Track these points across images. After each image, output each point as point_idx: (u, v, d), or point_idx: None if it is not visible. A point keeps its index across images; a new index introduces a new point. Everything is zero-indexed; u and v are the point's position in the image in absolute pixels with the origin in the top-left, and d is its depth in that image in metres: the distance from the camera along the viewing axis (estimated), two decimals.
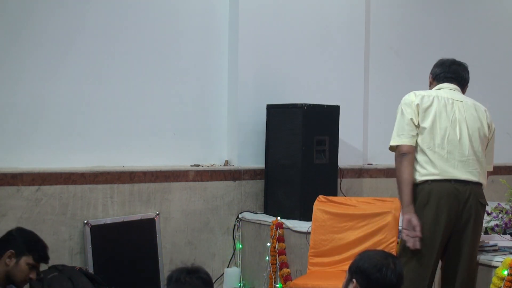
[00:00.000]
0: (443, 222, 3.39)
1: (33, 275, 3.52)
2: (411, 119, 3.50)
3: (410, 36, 6.61)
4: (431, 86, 3.83)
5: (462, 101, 3.63)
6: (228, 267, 5.34)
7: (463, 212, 3.43)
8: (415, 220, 3.37)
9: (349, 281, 2.81)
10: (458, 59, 7.04)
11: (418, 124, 3.51)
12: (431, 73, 3.87)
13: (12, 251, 3.41)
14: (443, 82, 3.76)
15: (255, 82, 5.50)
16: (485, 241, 3.73)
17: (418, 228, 3.36)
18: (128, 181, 4.89)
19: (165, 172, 5.08)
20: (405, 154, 3.47)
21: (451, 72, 3.78)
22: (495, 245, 3.67)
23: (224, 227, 5.35)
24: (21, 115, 4.64)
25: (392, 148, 3.58)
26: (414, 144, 3.49)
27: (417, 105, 3.52)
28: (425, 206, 3.42)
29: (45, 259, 3.59)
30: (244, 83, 5.45)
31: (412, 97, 3.57)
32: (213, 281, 4.23)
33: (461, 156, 3.48)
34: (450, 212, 3.41)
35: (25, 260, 3.47)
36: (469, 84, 7.39)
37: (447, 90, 3.68)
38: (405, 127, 3.50)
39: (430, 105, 3.53)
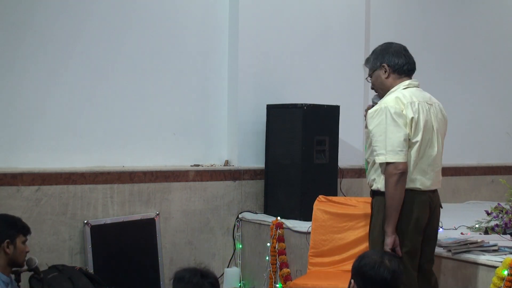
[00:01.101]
0: (421, 231, 3.43)
1: (27, 249, 3.66)
2: (408, 134, 3.34)
3: (410, 36, 6.60)
4: (388, 78, 3.51)
5: (432, 104, 3.50)
6: (228, 267, 5.34)
7: (431, 217, 3.47)
8: (397, 241, 3.35)
9: (349, 283, 2.83)
10: (458, 59, 7.17)
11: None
12: (386, 63, 3.50)
13: (8, 240, 3.49)
14: (404, 75, 3.51)
15: (255, 82, 5.50)
16: (485, 241, 3.72)
17: (398, 248, 3.35)
18: (128, 181, 4.89)
19: (165, 172, 5.08)
20: (404, 174, 3.30)
21: (411, 63, 3.53)
22: (495, 245, 3.66)
23: (224, 227, 5.35)
24: (21, 115, 4.64)
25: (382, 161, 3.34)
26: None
27: (412, 118, 3.34)
28: (408, 216, 3.38)
29: (29, 229, 3.71)
30: (244, 83, 5.45)
31: (401, 105, 3.36)
32: None
33: (435, 167, 3.46)
34: (425, 220, 3.43)
35: (19, 241, 3.59)
36: (468, 84, 7.46)
37: (416, 90, 3.50)
38: (403, 143, 3.30)
39: (419, 116, 3.38)
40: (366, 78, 3.69)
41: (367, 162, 3.55)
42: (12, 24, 4.60)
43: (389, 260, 2.77)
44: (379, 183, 3.42)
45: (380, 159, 3.35)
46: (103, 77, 4.96)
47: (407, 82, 3.50)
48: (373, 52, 3.62)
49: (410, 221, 3.37)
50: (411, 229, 3.37)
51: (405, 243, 3.35)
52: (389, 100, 3.41)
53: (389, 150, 3.30)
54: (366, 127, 3.51)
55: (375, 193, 3.48)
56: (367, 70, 3.67)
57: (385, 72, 3.52)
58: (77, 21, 4.85)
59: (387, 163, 3.31)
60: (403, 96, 3.41)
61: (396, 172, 3.29)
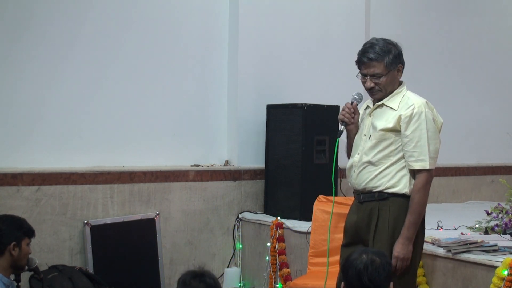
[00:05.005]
0: None
1: (30, 251, 3.66)
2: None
3: (410, 35, 6.59)
4: (397, 79, 3.33)
5: None
6: (228, 267, 5.34)
7: None
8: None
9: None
10: (459, 59, 7.16)
11: None
12: (401, 63, 3.32)
13: (14, 242, 3.50)
14: None
15: (255, 82, 5.50)
16: (485, 241, 3.72)
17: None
18: (128, 181, 4.89)
19: (165, 172, 5.08)
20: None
21: None
22: (495, 245, 3.66)
23: (224, 227, 5.35)
24: (21, 115, 4.65)
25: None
26: None
27: (442, 123, 3.32)
28: (423, 229, 3.38)
29: (34, 231, 3.70)
30: (244, 83, 5.45)
31: (434, 110, 3.29)
32: None
33: None
34: None
35: (24, 243, 3.59)
36: (468, 84, 7.45)
37: None
38: (438, 150, 3.26)
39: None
40: (375, 75, 3.27)
41: (371, 164, 3.38)
42: (11, 24, 4.60)
43: (366, 254, 2.74)
44: (405, 187, 3.25)
45: (421, 165, 3.20)
46: (103, 77, 4.96)
47: (404, 84, 3.38)
48: (387, 50, 3.30)
49: (424, 235, 3.36)
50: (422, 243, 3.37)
51: (418, 259, 3.31)
52: (421, 103, 3.24)
53: (431, 157, 3.21)
54: (379, 129, 3.32)
55: (390, 195, 3.27)
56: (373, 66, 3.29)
57: (398, 72, 3.33)
58: (77, 21, 4.85)
59: (427, 170, 3.21)
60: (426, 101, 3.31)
61: (431, 180, 3.25)
